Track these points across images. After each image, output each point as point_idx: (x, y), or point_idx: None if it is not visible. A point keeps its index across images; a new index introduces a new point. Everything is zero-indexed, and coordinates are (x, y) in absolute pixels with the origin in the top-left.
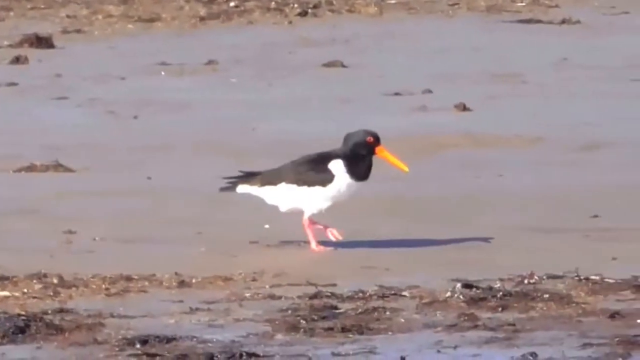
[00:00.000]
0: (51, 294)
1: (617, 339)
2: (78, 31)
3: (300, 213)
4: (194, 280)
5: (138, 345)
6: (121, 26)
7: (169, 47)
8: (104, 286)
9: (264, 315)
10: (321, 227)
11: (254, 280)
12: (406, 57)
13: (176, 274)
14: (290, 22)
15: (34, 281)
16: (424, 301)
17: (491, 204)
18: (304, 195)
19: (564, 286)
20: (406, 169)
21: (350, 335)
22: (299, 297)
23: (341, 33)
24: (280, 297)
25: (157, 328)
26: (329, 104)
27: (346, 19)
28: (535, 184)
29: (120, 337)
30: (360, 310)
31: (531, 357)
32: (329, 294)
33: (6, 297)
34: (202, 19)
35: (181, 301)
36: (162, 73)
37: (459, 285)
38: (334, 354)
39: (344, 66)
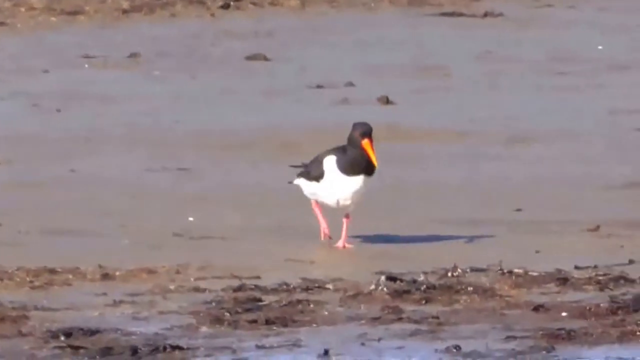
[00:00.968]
0: None
1: (541, 331)
2: (1, 24)
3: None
4: (117, 273)
5: (62, 338)
6: (44, 19)
7: (92, 40)
8: (28, 279)
9: (188, 307)
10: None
11: (178, 272)
12: (329, 50)
13: (100, 266)
14: (212, 15)
15: None
16: (348, 294)
17: (415, 198)
18: (312, 190)
19: (487, 279)
20: (375, 164)
21: (275, 328)
22: (223, 289)
23: (264, 26)
24: (204, 290)
25: (81, 321)
26: (253, 96)
27: (269, 12)
28: (460, 178)
29: (44, 329)
30: (284, 302)
31: (455, 350)
32: (253, 287)
33: None
34: (125, 11)
35: (105, 294)
36: (86, 66)
37: (383, 278)
38: (258, 347)
39: (267, 59)
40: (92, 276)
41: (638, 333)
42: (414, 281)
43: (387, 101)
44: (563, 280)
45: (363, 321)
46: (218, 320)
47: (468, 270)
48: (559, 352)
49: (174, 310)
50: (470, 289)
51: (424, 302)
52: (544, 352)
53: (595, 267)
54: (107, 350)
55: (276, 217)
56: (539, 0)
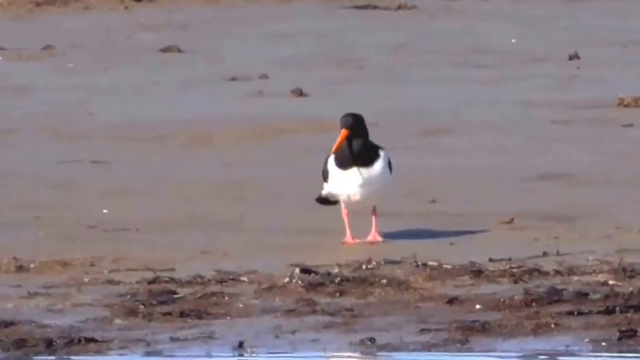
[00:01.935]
0: None
1: (455, 324)
2: None
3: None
4: (32, 265)
5: None
6: None
7: (5, 32)
8: None
9: (102, 300)
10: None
11: (92, 265)
12: (243, 42)
13: (14, 258)
14: (126, 8)
15: None
16: (262, 286)
17: None
18: (326, 190)
19: (402, 272)
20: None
21: (189, 320)
22: (137, 282)
23: (177, 18)
24: (118, 282)
25: None
26: (166, 88)
27: (182, 4)
28: None
29: None
30: (198, 295)
31: (369, 342)
32: (168, 279)
33: None
34: (38, 4)
35: (20, 286)
36: (0, 58)
37: (297, 270)
38: (172, 339)
39: (181, 51)
40: (6, 268)
41: (552, 325)
42: (328, 274)
43: (300, 93)
44: (477, 272)
45: (277, 313)
46: (132, 313)
47: (382, 262)
48: (473, 344)
49: (89, 302)
50: (384, 281)
51: (338, 294)
52: (458, 344)
53: (510, 259)
54: (21, 343)
55: (191, 210)
56: None
